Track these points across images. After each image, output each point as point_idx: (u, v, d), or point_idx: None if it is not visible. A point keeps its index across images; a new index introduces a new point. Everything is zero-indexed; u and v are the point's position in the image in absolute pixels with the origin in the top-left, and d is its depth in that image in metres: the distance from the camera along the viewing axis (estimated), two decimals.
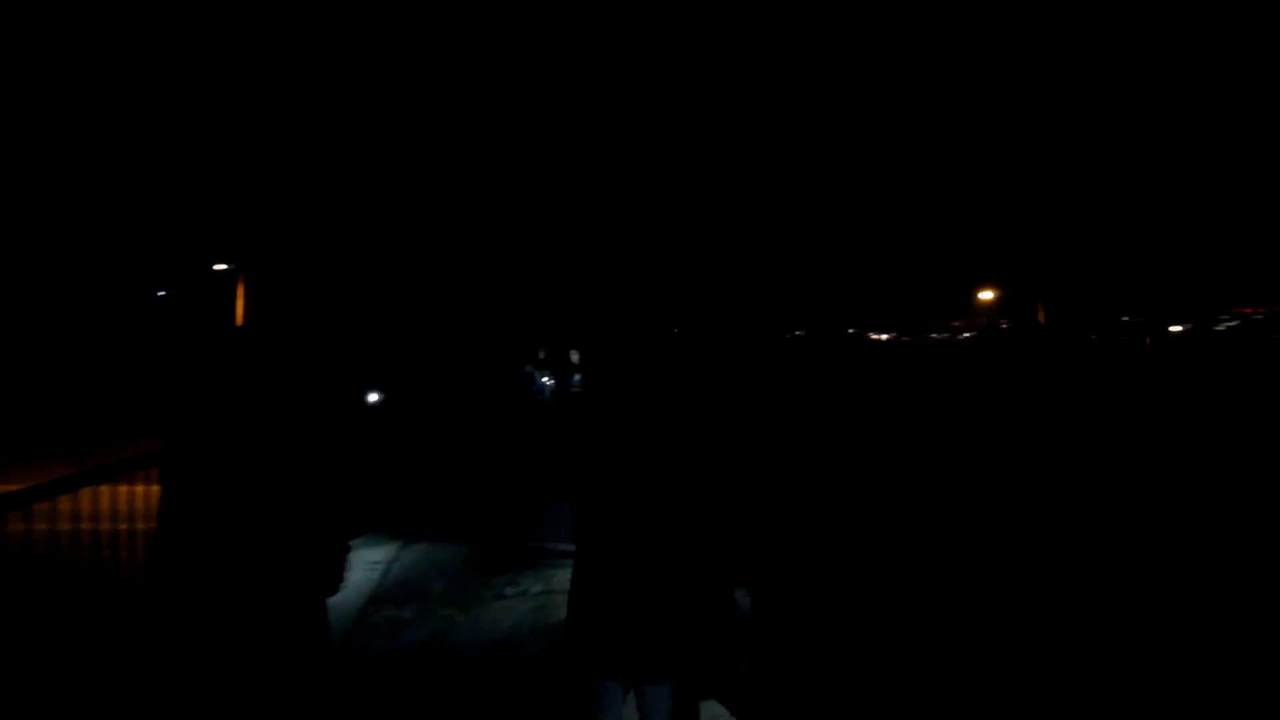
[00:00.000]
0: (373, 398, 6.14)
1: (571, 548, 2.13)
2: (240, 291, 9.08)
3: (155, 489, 2.50)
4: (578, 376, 6.40)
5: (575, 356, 6.40)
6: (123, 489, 3.23)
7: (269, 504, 1.89)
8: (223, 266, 9.10)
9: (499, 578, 4.38)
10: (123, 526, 3.33)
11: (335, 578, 2.12)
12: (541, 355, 6.41)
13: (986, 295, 16.30)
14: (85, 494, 2.84)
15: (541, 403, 6.71)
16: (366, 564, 4.52)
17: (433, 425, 7.09)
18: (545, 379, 6.67)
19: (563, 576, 4.35)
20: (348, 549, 2.20)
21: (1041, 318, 11.51)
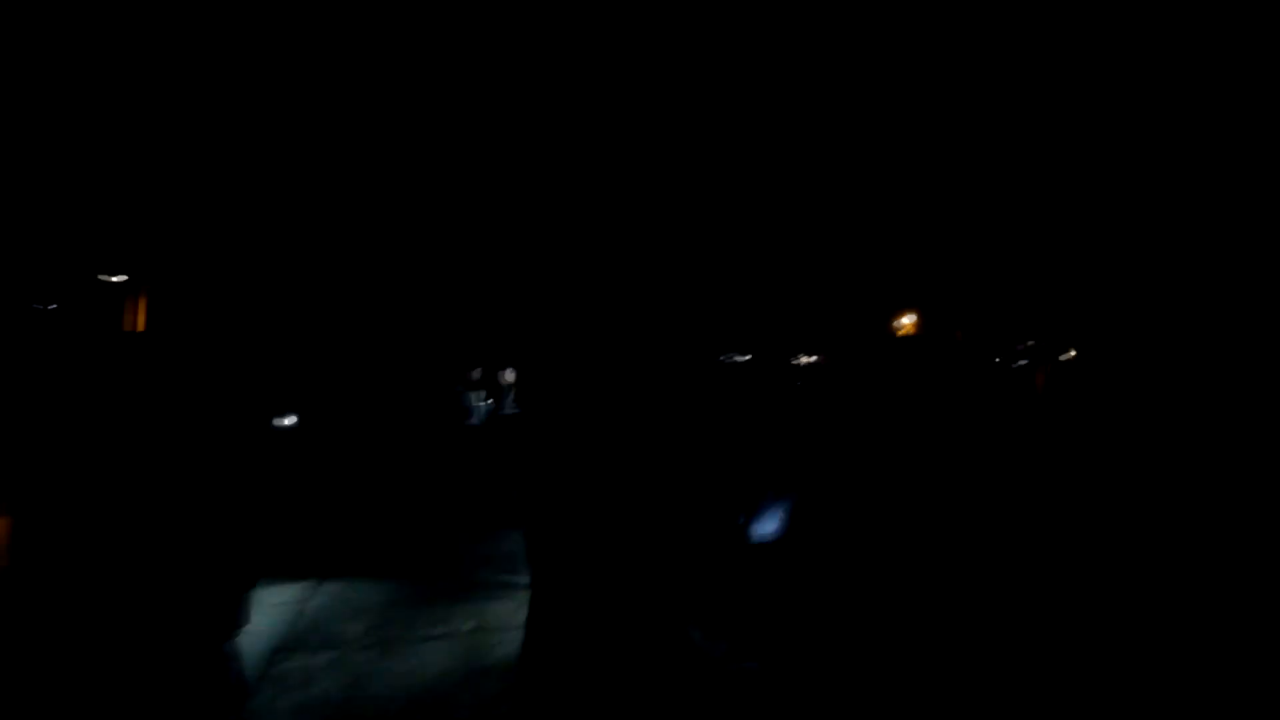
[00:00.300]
0: (288, 420, 5.63)
1: (507, 579, 1.93)
2: (139, 305, 8.27)
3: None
4: (511, 397, 6.13)
5: (509, 376, 6.14)
6: None
7: (145, 535, 1.59)
8: (118, 278, 8.25)
9: (426, 616, 4.03)
10: None
11: (232, 620, 1.84)
12: (475, 376, 6.10)
13: (907, 321, 17.03)
14: None
15: (474, 427, 6.39)
16: (274, 605, 4.06)
17: (354, 450, 6.62)
18: (479, 401, 6.35)
19: (497, 610, 4.06)
20: (250, 586, 1.93)
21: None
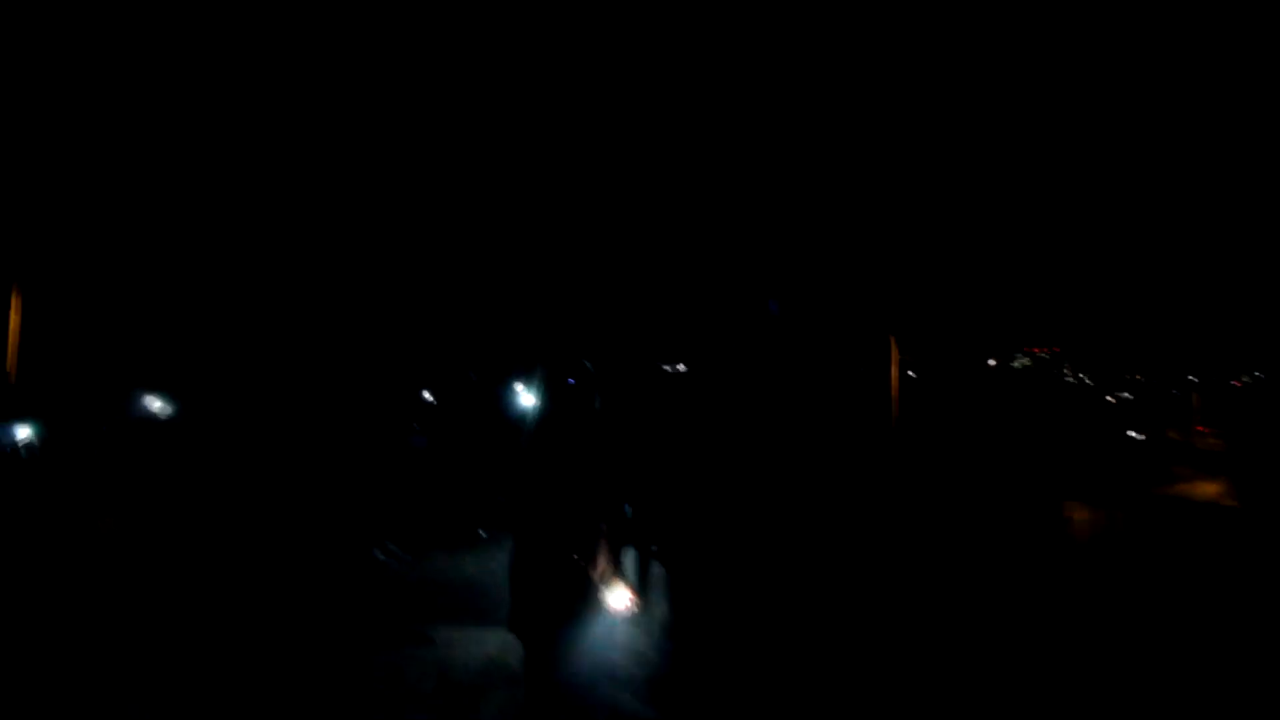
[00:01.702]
0: (156, 406, 4.33)
1: (475, 614, 1.64)
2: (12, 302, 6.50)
3: None
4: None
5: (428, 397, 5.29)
6: None
7: None
8: None
9: (378, 669, 3.11)
10: None
11: None
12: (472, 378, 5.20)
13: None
14: None
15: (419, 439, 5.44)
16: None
17: (250, 449, 5.44)
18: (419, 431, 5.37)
19: (465, 660, 3.20)
20: None
21: (895, 350, 12.43)
